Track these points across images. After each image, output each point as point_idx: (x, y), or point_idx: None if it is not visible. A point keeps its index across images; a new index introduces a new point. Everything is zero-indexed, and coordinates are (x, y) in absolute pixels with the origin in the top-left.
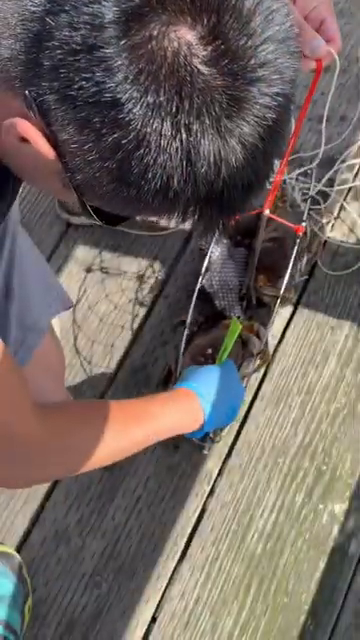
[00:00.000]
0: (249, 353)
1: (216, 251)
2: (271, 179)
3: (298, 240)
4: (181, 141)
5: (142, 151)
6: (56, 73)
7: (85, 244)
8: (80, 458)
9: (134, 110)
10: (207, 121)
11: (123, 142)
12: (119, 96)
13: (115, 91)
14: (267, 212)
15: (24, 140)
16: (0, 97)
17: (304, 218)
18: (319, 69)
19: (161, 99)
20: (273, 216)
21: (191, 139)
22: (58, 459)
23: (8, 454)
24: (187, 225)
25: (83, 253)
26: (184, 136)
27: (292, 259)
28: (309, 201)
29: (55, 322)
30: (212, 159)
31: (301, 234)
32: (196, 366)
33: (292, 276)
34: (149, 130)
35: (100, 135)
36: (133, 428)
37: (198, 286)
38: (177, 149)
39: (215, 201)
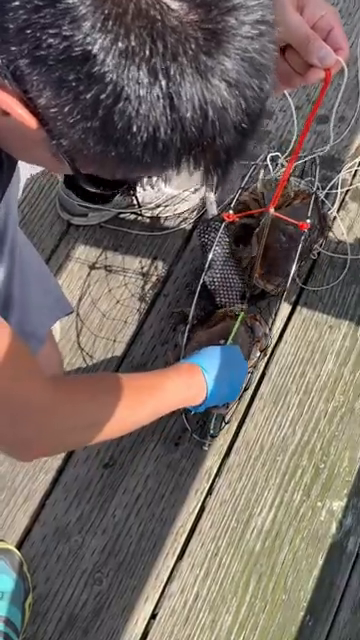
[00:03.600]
0: (256, 339)
1: (220, 249)
2: (263, 123)
3: (303, 237)
4: (160, 87)
5: (122, 104)
6: (23, 35)
7: (86, 244)
8: (91, 428)
9: (107, 60)
10: (185, 61)
11: (102, 97)
12: (89, 48)
13: (84, 43)
14: (272, 211)
15: (5, 113)
16: None
17: (308, 214)
18: (328, 78)
19: (132, 44)
20: (279, 214)
21: (170, 84)
22: (68, 428)
23: (21, 421)
24: (197, 196)
25: (84, 253)
26: (163, 82)
27: (297, 255)
28: (313, 197)
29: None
30: (196, 102)
31: (306, 230)
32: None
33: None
34: (125, 80)
35: (77, 94)
36: (143, 400)
37: (200, 282)
38: (158, 96)
39: (209, 148)
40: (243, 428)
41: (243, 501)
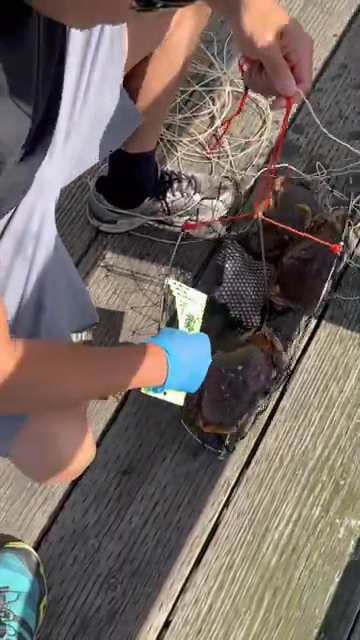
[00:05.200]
0: (278, 371)
1: (229, 265)
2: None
3: (335, 260)
4: None
5: None
6: None
7: (113, 251)
8: (50, 394)
9: None
10: None
11: None
12: None
13: None
14: (260, 215)
15: None
16: None
17: (342, 238)
18: (288, 106)
19: None
20: (309, 235)
21: None
22: (28, 394)
23: None
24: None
25: (111, 259)
26: None
27: (329, 279)
28: (347, 222)
29: None
30: None
31: (338, 253)
32: (172, 329)
33: (319, 296)
34: None
35: None
36: (104, 372)
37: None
38: None
39: None
40: (263, 440)
41: (261, 513)
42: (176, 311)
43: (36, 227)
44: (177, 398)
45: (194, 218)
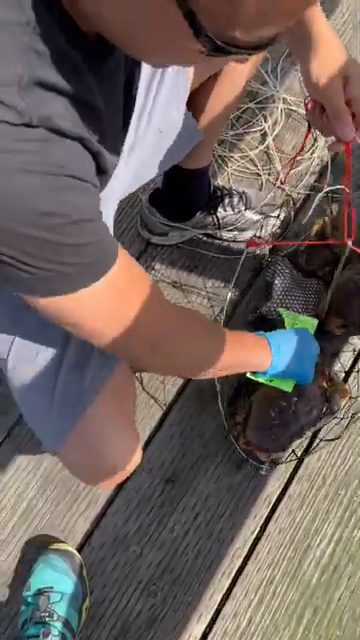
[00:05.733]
0: (330, 411)
1: (279, 282)
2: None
3: None
4: None
5: None
6: None
7: (162, 263)
8: (192, 358)
9: None
10: None
11: None
12: None
13: None
14: (350, 243)
15: None
16: None
17: None
18: (348, 150)
19: None
20: (355, 249)
21: None
22: (175, 352)
23: (142, 337)
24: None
25: (160, 271)
26: None
27: None
28: None
29: None
30: None
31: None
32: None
33: None
34: None
35: None
36: (234, 350)
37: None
38: None
39: None
40: (306, 459)
41: (302, 531)
42: None
43: None
44: (287, 385)
45: (258, 235)
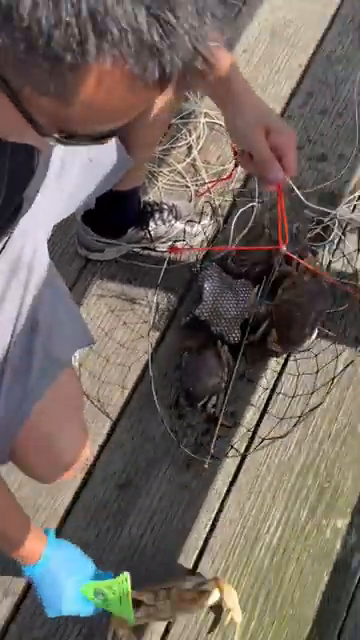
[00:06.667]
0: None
1: (207, 286)
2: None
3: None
4: None
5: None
6: None
7: (102, 278)
8: None
9: None
10: None
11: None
12: None
13: None
14: (284, 248)
15: None
16: None
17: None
18: (279, 191)
19: None
20: (291, 255)
21: None
22: None
23: None
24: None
25: (100, 286)
26: None
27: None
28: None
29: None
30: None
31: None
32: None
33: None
34: None
35: None
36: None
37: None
38: None
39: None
40: (251, 449)
41: (251, 519)
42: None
43: (29, 257)
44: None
45: (179, 241)
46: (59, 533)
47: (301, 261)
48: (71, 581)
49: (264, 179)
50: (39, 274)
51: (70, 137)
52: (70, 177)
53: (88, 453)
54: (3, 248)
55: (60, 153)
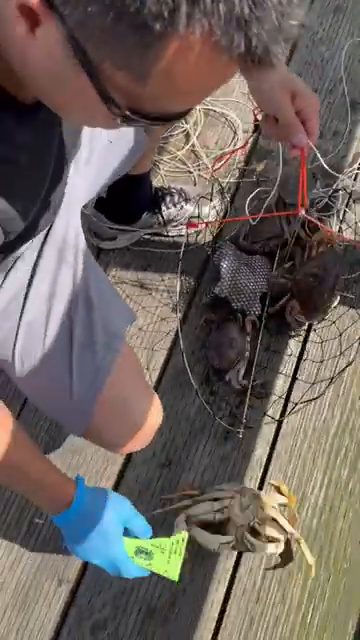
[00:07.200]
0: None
1: (225, 264)
2: None
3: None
4: None
5: None
6: None
7: (116, 266)
8: None
9: None
10: None
11: None
12: None
13: None
14: (303, 212)
15: (32, 24)
16: None
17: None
18: (303, 154)
19: None
20: (310, 217)
21: None
22: None
23: None
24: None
25: (116, 274)
26: None
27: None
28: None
29: None
30: None
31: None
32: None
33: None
34: None
35: None
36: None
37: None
38: None
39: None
40: (286, 419)
41: (295, 483)
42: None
43: (72, 239)
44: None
45: (195, 216)
46: None
47: (320, 224)
48: (114, 518)
49: (288, 143)
50: (84, 253)
51: (141, 115)
52: (94, 159)
53: (159, 415)
54: (48, 233)
55: (87, 138)
